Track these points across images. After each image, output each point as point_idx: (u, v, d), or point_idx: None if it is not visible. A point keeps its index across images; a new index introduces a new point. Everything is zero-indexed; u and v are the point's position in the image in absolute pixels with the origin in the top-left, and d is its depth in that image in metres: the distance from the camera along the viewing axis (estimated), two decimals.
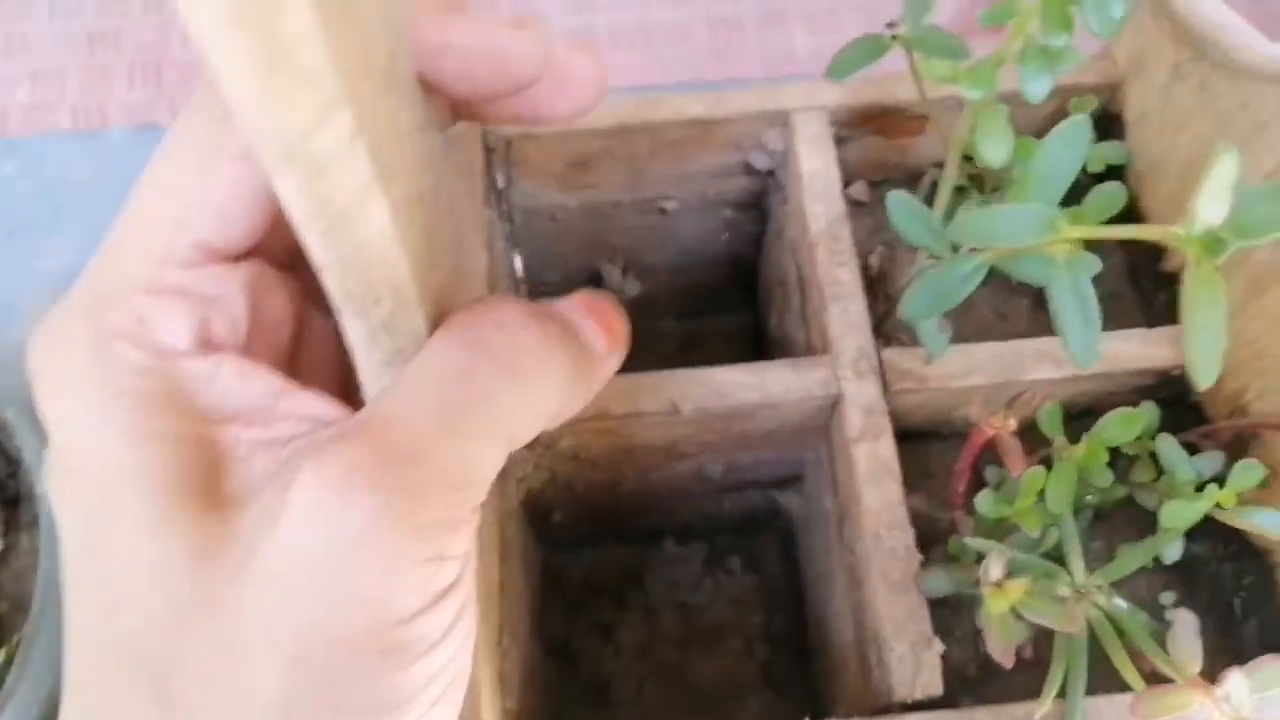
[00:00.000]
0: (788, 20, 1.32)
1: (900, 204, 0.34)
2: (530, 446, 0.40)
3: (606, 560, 0.56)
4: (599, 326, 0.27)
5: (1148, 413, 0.39)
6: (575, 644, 0.54)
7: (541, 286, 0.56)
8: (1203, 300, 0.21)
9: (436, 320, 0.25)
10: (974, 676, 0.40)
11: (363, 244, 0.20)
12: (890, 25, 0.38)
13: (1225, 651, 0.40)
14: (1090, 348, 0.26)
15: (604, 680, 0.53)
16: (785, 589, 0.55)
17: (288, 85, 0.15)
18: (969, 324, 0.47)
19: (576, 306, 0.27)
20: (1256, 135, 0.36)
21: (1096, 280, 0.46)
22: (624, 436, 0.41)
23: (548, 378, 0.25)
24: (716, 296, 0.59)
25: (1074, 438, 0.37)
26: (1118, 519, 0.42)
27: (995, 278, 0.31)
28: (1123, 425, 0.35)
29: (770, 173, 0.47)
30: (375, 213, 0.20)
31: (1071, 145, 0.27)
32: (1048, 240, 0.26)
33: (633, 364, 0.38)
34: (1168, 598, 0.40)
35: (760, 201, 0.50)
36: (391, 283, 0.22)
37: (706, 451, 0.44)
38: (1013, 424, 0.29)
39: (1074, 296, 0.26)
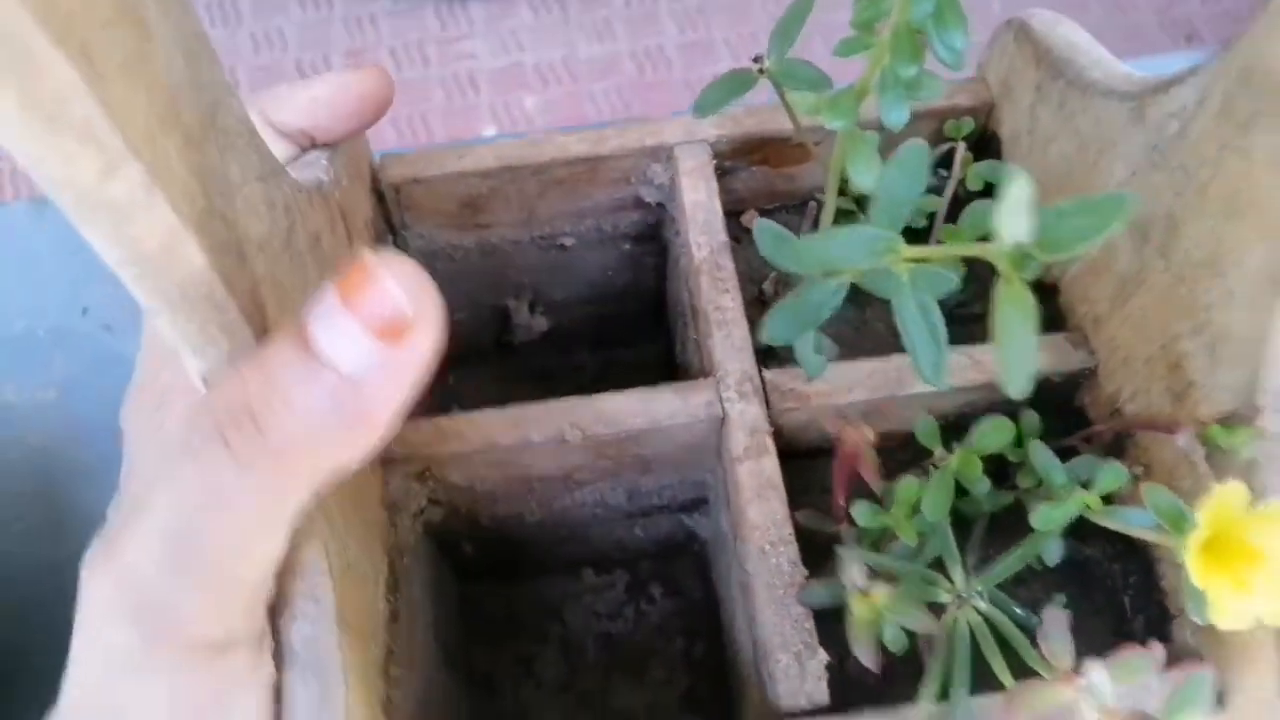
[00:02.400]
0: (712, 49, 1.34)
1: (766, 230, 0.35)
2: (421, 480, 0.41)
3: (527, 594, 0.56)
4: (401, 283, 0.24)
5: (1023, 420, 0.40)
6: (497, 678, 0.54)
7: (450, 326, 0.56)
8: (1014, 317, 0.22)
9: None
10: (873, 685, 0.41)
11: (185, 285, 0.21)
12: (756, 59, 0.39)
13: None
14: (939, 367, 0.27)
15: (525, 712, 0.53)
16: (705, 612, 0.56)
17: (63, 140, 0.16)
18: (866, 340, 0.49)
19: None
20: (1109, 148, 0.38)
21: (979, 292, 0.48)
22: (517, 467, 0.41)
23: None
24: (629, 327, 0.60)
25: None
26: (1012, 526, 0.43)
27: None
28: (995, 433, 0.36)
29: (661, 205, 0.48)
30: (190, 256, 0.20)
31: (910, 170, 0.28)
32: (887, 262, 0.27)
33: (548, 396, 0.40)
34: (1061, 600, 0.41)
35: (658, 234, 0.51)
36: (223, 325, 0.23)
37: (605, 478, 0.44)
38: (870, 435, 0.30)
39: (919, 315, 0.27)
